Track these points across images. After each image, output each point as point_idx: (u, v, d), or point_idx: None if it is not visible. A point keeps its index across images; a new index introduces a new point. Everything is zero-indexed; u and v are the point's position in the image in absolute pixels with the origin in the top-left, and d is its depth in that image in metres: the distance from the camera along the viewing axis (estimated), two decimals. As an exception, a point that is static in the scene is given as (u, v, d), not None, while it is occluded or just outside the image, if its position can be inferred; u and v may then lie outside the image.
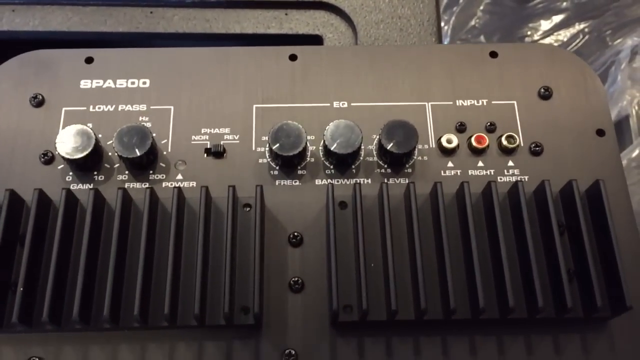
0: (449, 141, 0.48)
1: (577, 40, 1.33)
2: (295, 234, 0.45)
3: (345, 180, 0.47)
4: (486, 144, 0.48)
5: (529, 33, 1.34)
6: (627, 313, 0.42)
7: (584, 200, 0.45)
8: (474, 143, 0.48)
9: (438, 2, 0.72)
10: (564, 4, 1.36)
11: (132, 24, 0.68)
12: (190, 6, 0.69)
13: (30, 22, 0.68)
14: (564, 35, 1.33)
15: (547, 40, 1.33)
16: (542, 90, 0.50)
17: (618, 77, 1.27)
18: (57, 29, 0.68)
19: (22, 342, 0.42)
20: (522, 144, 0.48)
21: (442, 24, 1.36)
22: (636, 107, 1.30)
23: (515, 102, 0.50)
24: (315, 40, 0.67)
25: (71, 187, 0.45)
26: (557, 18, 1.36)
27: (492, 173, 0.47)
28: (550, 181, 0.44)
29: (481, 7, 1.36)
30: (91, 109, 0.49)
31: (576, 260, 0.43)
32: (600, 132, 0.49)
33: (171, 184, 0.46)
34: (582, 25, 1.34)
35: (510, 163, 0.48)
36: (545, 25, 1.35)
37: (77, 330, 0.42)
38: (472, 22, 1.35)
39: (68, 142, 0.45)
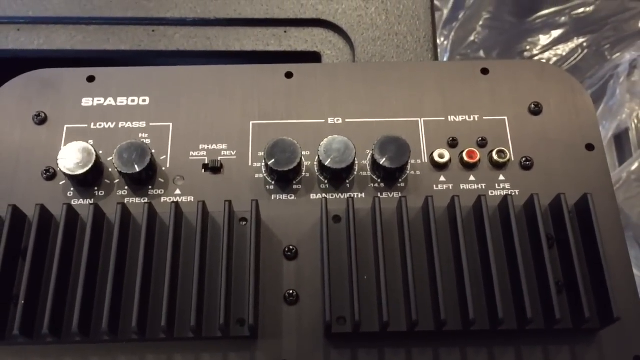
0: (441, 156, 0.49)
1: (576, 55, 1.34)
2: (291, 247, 0.46)
3: (340, 194, 0.48)
4: (477, 158, 0.49)
5: (528, 48, 1.36)
6: (616, 325, 0.43)
7: (573, 213, 0.46)
8: (465, 158, 0.49)
9: (434, 20, 0.73)
10: (563, 19, 1.37)
11: (134, 42, 0.70)
12: (191, 24, 0.70)
13: (35, 40, 0.70)
14: (562, 49, 1.35)
15: (546, 55, 1.34)
16: (533, 106, 0.51)
17: (617, 91, 1.28)
18: (61, 47, 0.69)
19: (23, 354, 0.43)
20: (512, 159, 0.50)
21: (442, 39, 1.38)
22: (635, 121, 1.31)
23: (506, 118, 0.51)
24: (313, 57, 0.68)
25: (72, 203, 0.46)
26: (556, 33, 1.37)
27: (484, 187, 0.48)
28: (539, 195, 0.45)
29: (480, 23, 1.37)
30: (92, 126, 0.51)
31: (565, 273, 0.44)
32: (590, 147, 0.50)
33: (170, 199, 0.47)
34: (580, 40, 1.35)
35: (501, 177, 0.49)
36: (544, 40, 1.37)
37: (77, 343, 0.43)
38: (472, 37, 1.37)
39: (69, 159, 0.46)
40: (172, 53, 0.70)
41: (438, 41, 1.35)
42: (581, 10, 1.37)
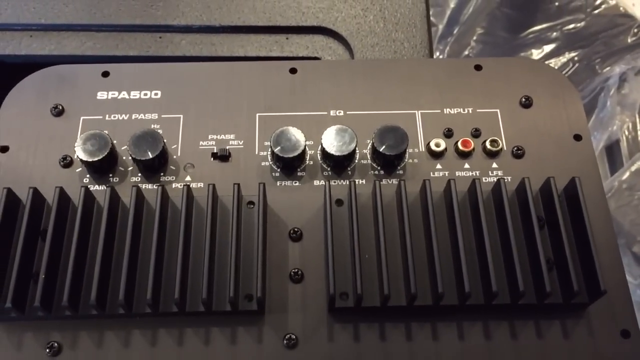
0: (437, 145, 0.52)
1: (568, 69, 1.38)
2: (295, 229, 0.49)
3: (342, 181, 0.51)
4: (471, 147, 0.52)
5: (520, 62, 1.39)
6: (604, 300, 0.46)
7: (562, 196, 0.49)
8: (460, 147, 0.52)
9: (430, 27, 0.76)
10: (554, 34, 1.41)
11: (142, 48, 0.72)
12: (197, 31, 0.73)
13: (47, 46, 0.72)
14: (554, 63, 1.39)
15: (538, 69, 1.38)
16: (523, 99, 0.54)
17: (607, 103, 1.32)
18: (72, 53, 0.72)
19: (41, 328, 0.45)
20: (505, 148, 0.52)
21: (438, 53, 1.41)
22: (626, 132, 1.34)
23: (498, 110, 0.54)
24: (314, 62, 0.71)
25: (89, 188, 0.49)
26: (548, 48, 1.41)
27: (477, 174, 0.51)
28: (530, 179, 0.48)
29: (474, 38, 1.41)
30: (107, 118, 0.53)
31: (555, 251, 0.47)
32: (577, 137, 0.53)
33: (180, 185, 0.50)
34: (572, 54, 1.39)
35: (494, 165, 0.52)
36: (536, 54, 1.40)
37: (93, 317, 0.45)
38: (466, 52, 1.41)
39: (86, 146, 0.49)
40: (179, 58, 0.72)
41: (434, 55, 1.39)
42: (572, 25, 1.41)
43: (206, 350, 0.45)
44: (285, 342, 0.45)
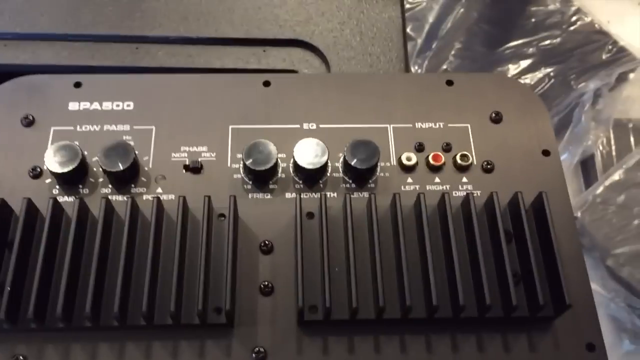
0: (409, 159, 0.52)
1: (543, 84, 1.40)
2: (266, 242, 0.49)
3: (313, 194, 0.51)
4: (442, 161, 0.52)
5: (497, 76, 1.41)
6: (570, 314, 0.46)
7: (530, 211, 0.49)
8: (431, 161, 0.52)
9: (406, 42, 0.77)
10: (531, 49, 1.43)
11: (118, 58, 0.72)
12: (174, 42, 0.73)
13: (21, 55, 0.72)
14: (530, 78, 1.41)
15: (515, 84, 1.40)
16: (493, 114, 0.55)
17: (582, 118, 1.34)
18: (47, 62, 0.71)
19: (6, 341, 0.45)
20: (475, 162, 0.53)
21: (416, 67, 1.43)
22: (600, 147, 1.36)
23: (469, 125, 0.55)
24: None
25: (58, 199, 0.48)
26: (525, 63, 1.43)
27: (448, 188, 0.52)
28: (498, 193, 0.48)
29: (453, 52, 1.43)
30: (78, 129, 0.53)
31: (522, 265, 0.47)
32: (546, 152, 0.54)
33: (151, 197, 0.50)
34: (547, 70, 1.41)
35: (464, 179, 0.52)
36: (513, 69, 1.42)
37: (60, 331, 0.45)
38: (444, 66, 1.42)
39: (56, 157, 0.49)
40: (155, 70, 0.72)
41: (412, 69, 1.40)
42: (548, 42, 1.43)
43: (174, 364, 0.45)
44: (254, 355, 0.45)
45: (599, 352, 0.46)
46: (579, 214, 1.25)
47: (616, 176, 1.28)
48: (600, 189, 1.27)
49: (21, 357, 0.44)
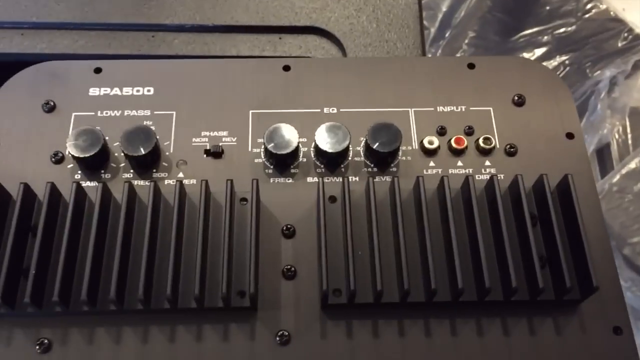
0: (431, 142, 0.52)
1: (558, 72, 1.39)
2: (289, 226, 0.49)
3: (335, 178, 0.51)
4: (465, 145, 0.52)
5: (512, 65, 1.40)
6: (596, 297, 0.46)
7: (555, 194, 0.49)
8: (453, 144, 0.52)
9: (422, 28, 0.77)
10: (545, 38, 1.42)
11: (134, 47, 0.72)
12: (190, 31, 0.73)
13: (38, 45, 0.72)
14: (545, 67, 1.39)
15: (529, 72, 1.39)
16: (516, 97, 0.55)
17: (598, 107, 1.33)
18: (64, 51, 0.71)
19: (32, 325, 0.45)
20: (498, 146, 0.52)
21: (430, 56, 1.42)
22: (616, 135, 1.35)
23: (491, 109, 0.54)
24: (307, 62, 0.71)
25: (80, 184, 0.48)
26: (539, 51, 1.42)
27: (471, 171, 0.51)
28: (522, 176, 0.48)
29: (466, 41, 1.42)
30: (99, 114, 0.53)
31: (548, 248, 0.47)
32: (570, 135, 0.53)
33: (173, 181, 0.50)
34: (562, 58, 1.40)
35: (487, 162, 0.52)
36: (527, 58, 1.41)
37: (84, 314, 0.45)
38: (458, 55, 1.41)
39: (77, 142, 0.49)
40: (171, 57, 0.72)
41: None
42: (563, 30, 1.42)
43: (198, 347, 0.45)
44: (277, 338, 0.45)
45: (626, 335, 0.46)
46: (595, 203, 1.24)
47: (632, 164, 1.27)
48: (616, 178, 1.26)
49: (46, 341, 0.44)
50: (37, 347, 0.44)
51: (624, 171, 1.26)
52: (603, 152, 1.37)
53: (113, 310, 0.44)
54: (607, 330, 0.46)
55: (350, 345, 0.45)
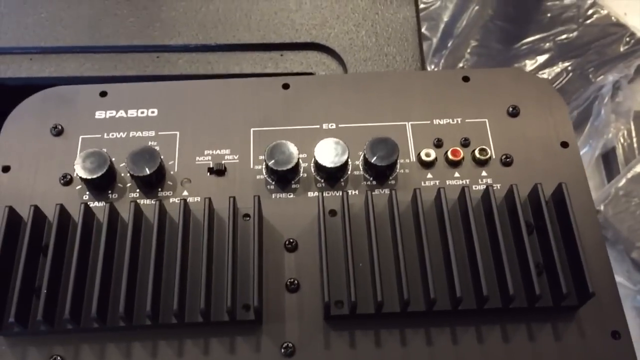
0: (428, 155, 0.53)
1: (561, 79, 1.40)
2: (291, 240, 0.50)
3: (335, 192, 0.52)
4: (461, 156, 0.53)
5: (515, 73, 1.41)
6: (593, 302, 0.47)
7: (550, 202, 0.50)
8: (450, 156, 0.53)
9: (421, 41, 0.78)
10: (548, 44, 1.43)
11: (140, 67, 0.74)
12: (194, 50, 0.75)
13: (47, 69, 0.74)
14: (548, 73, 1.40)
15: (532, 79, 1.40)
16: (511, 108, 0.56)
17: (602, 111, 1.33)
18: (72, 74, 0.73)
19: (44, 342, 0.46)
20: (494, 156, 0.54)
21: (432, 66, 1.43)
22: (621, 139, 1.36)
23: (486, 120, 0.55)
24: (308, 77, 0.73)
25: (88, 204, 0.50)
26: (542, 58, 1.43)
27: (468, 182, 0.52)
28: (518, 185, 0.49)
29: (469, 50, 1.43)
30: (105, 136, 0.55)
31: (544, 256, 0.48)
32: (564, 144, 0.54)
33: (178, 200, 0.51)
34: (565, 64, 1.41)
35: (484, 173, 0.53)
36: (530, 65, 1.42)
37: (95, 330, 0.46)
38: (461, 64, 1.42)
39: (85, 164, 0.50)
40: (176, 77, 0.74)
41: (428, 68, 1.41)
42: (565, 36, 1.43)
43: (205, 360, 0.46)
44: (282, 350, 0.46)
45: (624, 339, 0.46)
46: (602, 208, 1.25)
47: (638, 168, 1.27)
48: (622, 182, 1.26)
49: (59, 358, 0.46)
50: (50, 364, 0.46)
51: (629, 175, 1.27)
52: (609, 157, 1.38)
53: (122, 326, 0.46)
54: (606, 335, 0.47)
55: (354, 355, 0.46)
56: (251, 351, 0.46)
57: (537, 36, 1.44)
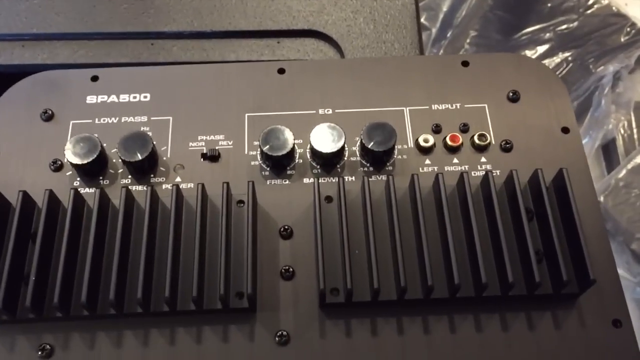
0: (426, 140, 0.52)
1: (562, 69, 1.39)
2: (286, 227, 0.49)
3: (331, 178, 0.51)
4: (460, 142, 0.52)
5: (514, 63, 1.40)
6: (594, 290, 0.46)
7: (551, 188, 0.49)
8: (448, 142, 0.52)
9: (420, 28, 0.77)
10: (548, 35, 1.42)
11: (134, 55, 0.73)
12: (189, 37, 0.73)
13: (39, 55, 0.73)
14: (548, 64, 1.39)
15: (532, 70, 1.38)
16: (511, 93, 0.55)
17: (602, 102, 1.32)
18: (64, 61, 0.72)
19: (33, 331, 0.45)
20: (493, 142, 0.53)
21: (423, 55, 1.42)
22: (622, 130, 1.34)
23: (486, 105, 0.54)
24: (306, 65, 0.72)
25: (79, 190, 0.49)
26: (542, 48, 1.42)
27: (467, 168, 0.51)
28: (517, 171, 0.48)
29: (468, 40, 1.42)
30: (96, 121, 0.54)
31: (544, 243, 0.47)
32: (565, 130, 0.53)
33: (171, 186, 0.50)
34: (565, 54, 1.40)
35: (483, 159, 0.52)
36: (530, 55, 1.41)
37: (84, 318, 0.45)
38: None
39: (75, 149, 0.49)
40: (171, 64, 0.73)
41: (433, 55, 1.39)
42: (565, 26, 1.42)
43: (198, 349, 0.45)
44: (277, 339, 0.45)
45: (625, 328, 0.46)
46: (601, 199, 1.24)
47: (638, 159, 1.26)
48: (622, 173, 1.25)
49: (48, 346, 0.45)
50: (39, 353, 0.45)
51: (630, 166, 1.26)
52: (609, 148, 1.37)
53: (113, 314, 0.45)
54: (607, 323, 0.46)
55: (349, 344, 0.45)
56: (245, 340, 0.45)
57: (537, 26, 1.43)
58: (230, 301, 0.45)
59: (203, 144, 0.53)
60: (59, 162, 0.52)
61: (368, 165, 0.52)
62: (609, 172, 1.32)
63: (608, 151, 1.37)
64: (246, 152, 0.52)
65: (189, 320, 0.46)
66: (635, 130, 1.36)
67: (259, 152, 0.52)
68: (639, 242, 1.20)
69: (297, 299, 0.46)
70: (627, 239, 1.20)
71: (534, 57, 1.40)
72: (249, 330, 0.46)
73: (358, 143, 0.52)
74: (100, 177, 0.51)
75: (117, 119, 0.54)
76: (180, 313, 0.45)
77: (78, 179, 0.51)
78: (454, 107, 0.54)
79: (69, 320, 0.45)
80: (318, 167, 0.52)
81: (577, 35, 1.41)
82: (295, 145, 0.51)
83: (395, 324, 0.46)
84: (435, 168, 0.51)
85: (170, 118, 0.54)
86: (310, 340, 0.45)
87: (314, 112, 0.54)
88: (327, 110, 0.54)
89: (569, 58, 1.39)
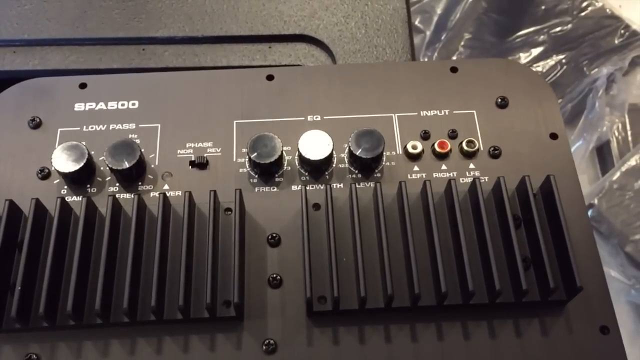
0: (414, 147, 0.52)
1: (556, 71, 1.39)
2: (274, 234, 0.49)
3: (320, 185, 0.51)
4: (448, 148, 0.52)
5: (508, 66, 1.40)
6: (582, 296, 0.46)
7: (538, 195, 0.49)
8: (437, 148, 0.52)
9: (412, 32, 0.77)
10: (542, 37, 1.42)
11: (125, 60, 0.73)
12: (180, 42, 0.73)
13: (30, 61, 0.73)
14: (542, 66, 1.39)
15: (526, 72, 1.39)
16: (499, 100, 0.55)
17: (596, 104, 1.32)
18: (56, 67, 0.72)
19: (20, 340, 0.45)
20: (481, 148, 0.52)
21: (426, 59, 1.42)
22: (616, 132, 1.35)
23: (474, 111, 0.54)
24: (297, 70, 0.71)
25: (66, 199, 0.49)
26: (536, 51, 1.42)
27: (455, 175, 0.51)
28: (505, 177, 0.48)
29: (462, 43, 1.42)
30: (84, 129, 0.53)
31: (532, 250, 0.47)
32: (554, 136, 0.53)
33: (158, 194, 0.50)
34: (559, 57, 1.40)
35: (471, 165, 0.52)
36: (524, 58, 1.41)
37: (71, 328, 0.45)
38: (454, 58, 1.41)
39: (63, 157, 0.49)
40: (162, 70, 0.73)
41: (422, 61, 1.40)
42: (559, 28, 1.42)
43: (185, 358, 0.45)
44: (264, 347, 0.45)
45: (613, 334, 0.45)
46: (595, 201, 1.24)
47: (632, 161, 1.26)
48: (616, 175, 1.26)
49: (34, 356, 0.45)
50: (26, 363, 0.45)
51: (624, 168, 1.26)
52: (603, 150, 1.37)
53: (99, 323, 0.45)
54: (594, 329, 0.46)
55: (337, 352, 0.45)
56: (232, 348, 0.45)
57: (531, 29, 1.43)
58: (217, 310, 0.45)
59: (191, 151, 0.53)
60: (47, 170, 0.51)
61: (356, 172, 0.52)
62: (603, 174, 1.32)
63: (602, 153, 1.37)
64: (234, 159, 0.52)
65: (176, 329, 0.46)
66: (629, 132, 1.36)
67: (247, 160, 0.52)
68: (633, 245, 1.20)
69: (284, 307, 0.46)
70: (622, 242, 1.20)
71: (528, 59, 1.41)
72: (236, 338, 0.45)
73: (346, 150, 0.52)
74: (88, 185, 0.51)
75: (105, 126, 0.54)
76: (167, 322, 0.45)
77: (65, 187, 0.51)
78: (443, 113, 0.54)
79: (55, 330, 0.45)
80: (306, 174, 0.52)
81: (571, 38, 1.41)
82: (284, 153, 0.51)
83: (382, 331, 0.46)
84: (424, 175, 0.51)
85: (159, 125, 0.54)
86: (297, 348, 0.45)
87: (303, 118, 0.54)
88: (316, 117, 0.54)
89: (563, 60, 1.39)
